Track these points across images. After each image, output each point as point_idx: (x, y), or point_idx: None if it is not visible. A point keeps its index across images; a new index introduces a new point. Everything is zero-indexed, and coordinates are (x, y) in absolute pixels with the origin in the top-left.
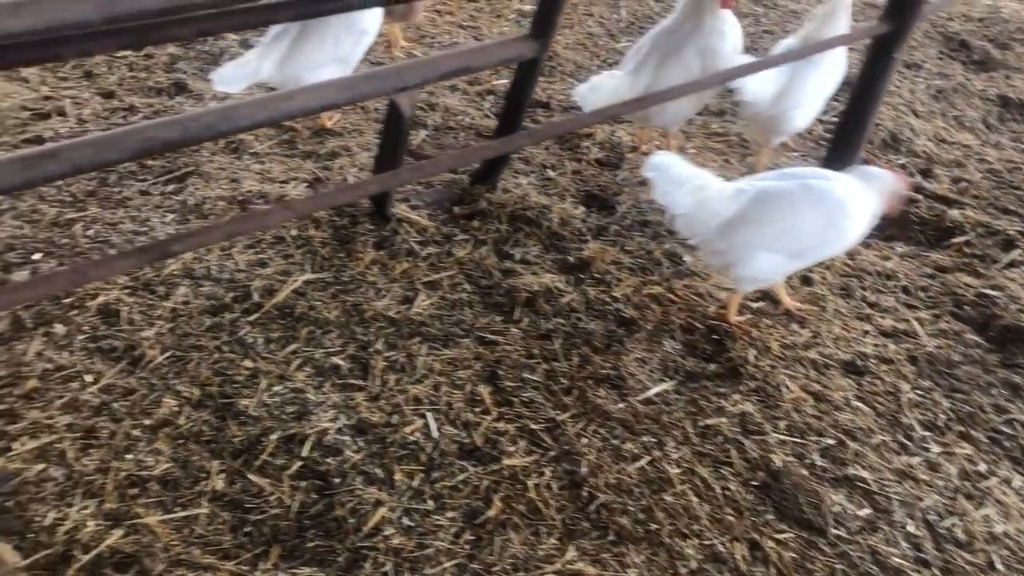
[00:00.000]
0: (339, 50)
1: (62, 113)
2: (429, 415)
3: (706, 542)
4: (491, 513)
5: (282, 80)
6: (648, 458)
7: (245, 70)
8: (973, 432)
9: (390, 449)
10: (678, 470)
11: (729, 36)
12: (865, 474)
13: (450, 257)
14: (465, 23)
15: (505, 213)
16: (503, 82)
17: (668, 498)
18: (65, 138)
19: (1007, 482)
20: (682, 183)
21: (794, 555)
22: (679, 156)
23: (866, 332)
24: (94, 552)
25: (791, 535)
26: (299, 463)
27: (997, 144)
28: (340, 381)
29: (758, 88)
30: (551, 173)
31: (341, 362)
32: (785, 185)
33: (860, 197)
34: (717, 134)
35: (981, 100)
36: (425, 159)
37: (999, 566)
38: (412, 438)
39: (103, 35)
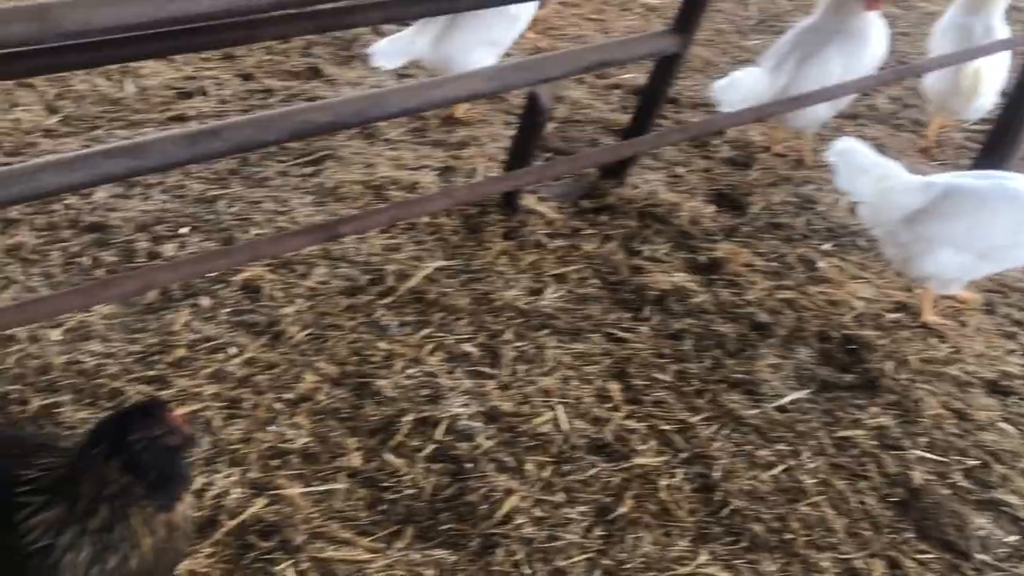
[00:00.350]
0: (491, 34)
1: (204, 93)
2: (559, 408)
3: (842, 556)
4: (622, 510)
5: (434, 59)
6: (782, 466)
7: (400, 45)
8: None
9: (520, 439)
10: (813, 480)
11: (873, 39)
12: (1013, 499)
13: (578, 251)
14: (592, 16)
15: (634, 209)
16: (629, 76)
17: (803, 508)
18: (208, 118)
19: None
20: (866, 171)
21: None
22: (864, 143)
23: (1011, 351)
24: (239, 519)
25: (933, 556)
26: (432, 446)
27: None
28: (471, 368)
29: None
30: (680, 170)
31: (472, 349)
32: (978, 182)
33: None
34: (858, 138)
35: None
36: (552, 151)
37: None
38: (542, 429)
39: (298, 17)
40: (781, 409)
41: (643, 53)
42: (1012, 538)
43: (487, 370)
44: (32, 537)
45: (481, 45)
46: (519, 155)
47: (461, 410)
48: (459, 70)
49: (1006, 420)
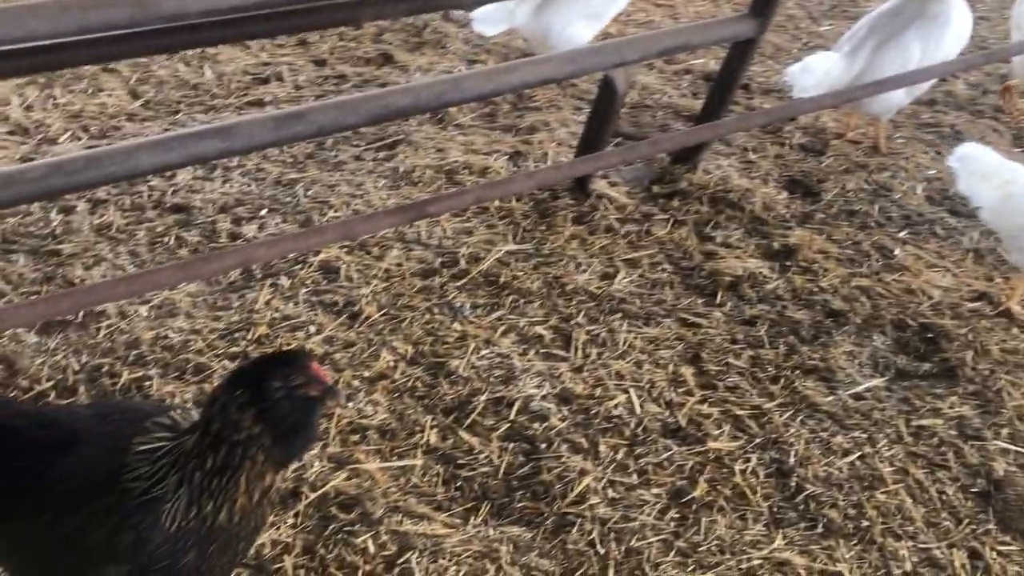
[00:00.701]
0: (592, 7)
1: (280, 78)
2: (632, 391)
3: (921, 545)
4: (696, 494)
5: (533, 28)
6: (858, 453)
7: (503, 12)
8: None
9: (594, 420)
10: (890, 468)
11: (955, 24)
12: None
13: (649, 236)
14: (661, 2)
15: (706, 194)
16: (700, 61)
17: (880, 496)
18: (284, 103)
19: None
20: (989, 176)
21: (1020, 570)
22: (988, 147)
23: None
24: (321, 491)
25: (1016, 548)
26: (507, 425)
27: None
28: (543, 350)
29: None
30: (753, 156)
31: (544, 332)
32: None
33: None
34: (928, 124)
35: None
36: (622, 136)
37: None
38: (615, 412)
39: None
40: (857, 396)
41: (720, 37)
42: None
43: (559, 353)
44: (138, 490)
45: (581, 18)
46: (592, 139)
47: (534, 391)
48: (557, 42)
49: None
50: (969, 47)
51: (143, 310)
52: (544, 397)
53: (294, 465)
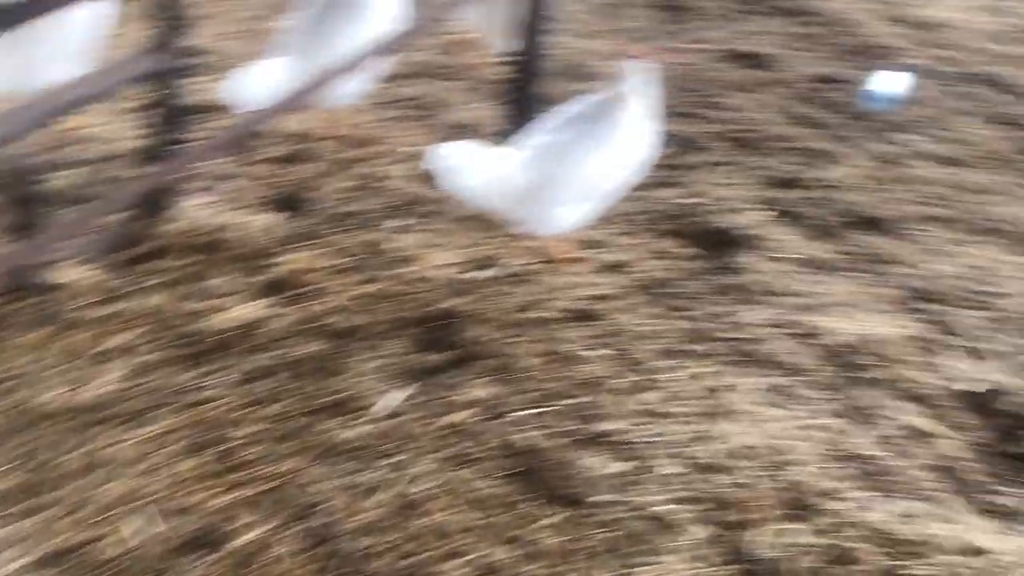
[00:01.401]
0: (72, 45)
1: None
2: (136, 514)
3: (474, 555)
4: None
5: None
6: (393, 484)
7: None
8: (702, 348)
9: (100, 571)
10: (428, 485)
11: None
12: (612, 425)
13: (128, 314)
14: None
15: (184, 244)
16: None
17: (423, 521)
18: None
19: (741, 390)
20: (467, 165)
21: (562, 538)
22: (460, 142)
23: (588, 273)
24: None
25: (554, 517)
26: None
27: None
28: (18, 507)
29: None
30: (228, 185)
31: (13, 482)
32: (561, 136)
33: (633, 109)
34: (402, 100)
35: (650, 9)
36: (67, 203)
37: (759, 474)
38: (118, 550)
39: None
40: (384, 417)
41: (129, 77)
42: (618, 466)
43: (39, 500)
44: None
45: (61, 59)
46: (23, 222)
47: (12, 567)
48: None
49: (594, 346)
50: (420, 14)
51: None
52: (27, 568)
53: None
